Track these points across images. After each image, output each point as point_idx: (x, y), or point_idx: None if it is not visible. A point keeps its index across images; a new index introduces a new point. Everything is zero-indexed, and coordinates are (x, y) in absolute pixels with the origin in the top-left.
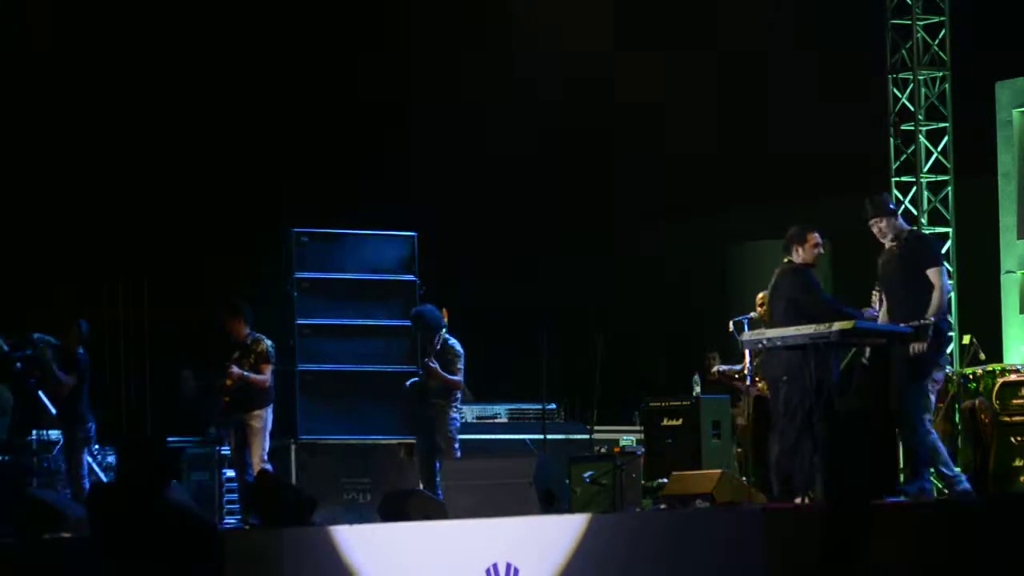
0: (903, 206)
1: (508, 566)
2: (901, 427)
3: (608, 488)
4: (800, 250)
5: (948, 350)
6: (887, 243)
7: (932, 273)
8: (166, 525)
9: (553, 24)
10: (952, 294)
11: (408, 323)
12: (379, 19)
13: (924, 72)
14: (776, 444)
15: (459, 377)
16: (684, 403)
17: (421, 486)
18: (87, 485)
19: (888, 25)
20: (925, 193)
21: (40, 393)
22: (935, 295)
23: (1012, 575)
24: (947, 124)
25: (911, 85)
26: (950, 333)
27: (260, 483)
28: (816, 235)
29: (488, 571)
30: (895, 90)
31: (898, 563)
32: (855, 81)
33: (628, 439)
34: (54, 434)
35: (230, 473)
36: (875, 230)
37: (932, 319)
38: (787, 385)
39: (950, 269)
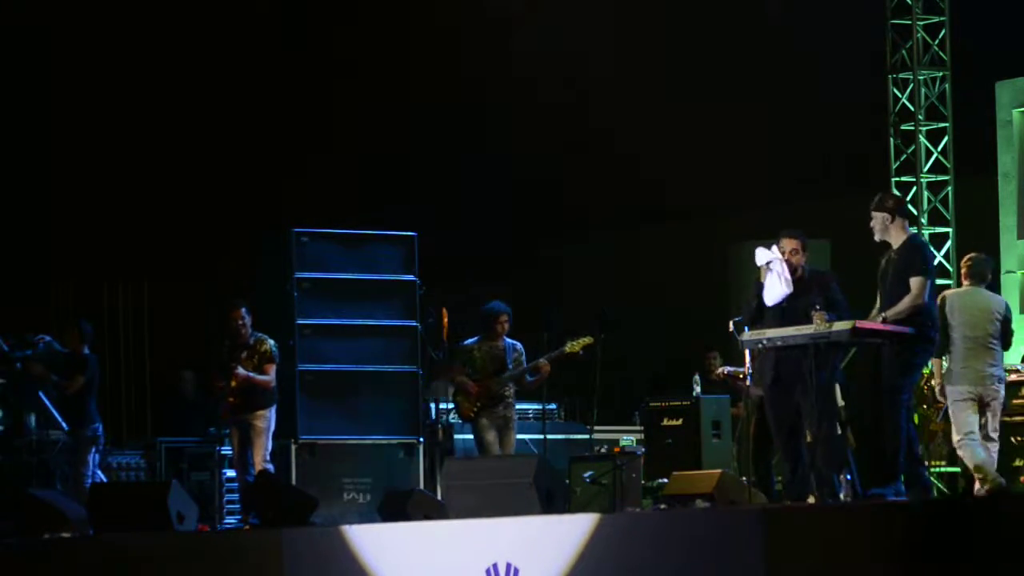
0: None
1: (508, 566)
2: (882, 427)
3: (608, 488)
4: None
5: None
6: (877, 237)
7: (913, 281)
8: None
9: (552, 24)
10: None
11: (409, 323)
12: (378, 18)
13: (924, 72)
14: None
15: None
16: (684, 403)
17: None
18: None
19: (888, 25)
20: (925, 193)
21: (41, 394)
22: (906, 299)
23: (1012, 575)
24: (947, 124)
25: (911, 85)
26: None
27: (260, 483)
28: (782, 242)
29: (488, 571)
30: (895, 90)
31: (897, 563)
32: (855, 81)
33: (628, 439)
34: (54, 434)
35: (230, 473)
36: (871, 222)
37: (886, 315)
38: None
39: (949, 269)
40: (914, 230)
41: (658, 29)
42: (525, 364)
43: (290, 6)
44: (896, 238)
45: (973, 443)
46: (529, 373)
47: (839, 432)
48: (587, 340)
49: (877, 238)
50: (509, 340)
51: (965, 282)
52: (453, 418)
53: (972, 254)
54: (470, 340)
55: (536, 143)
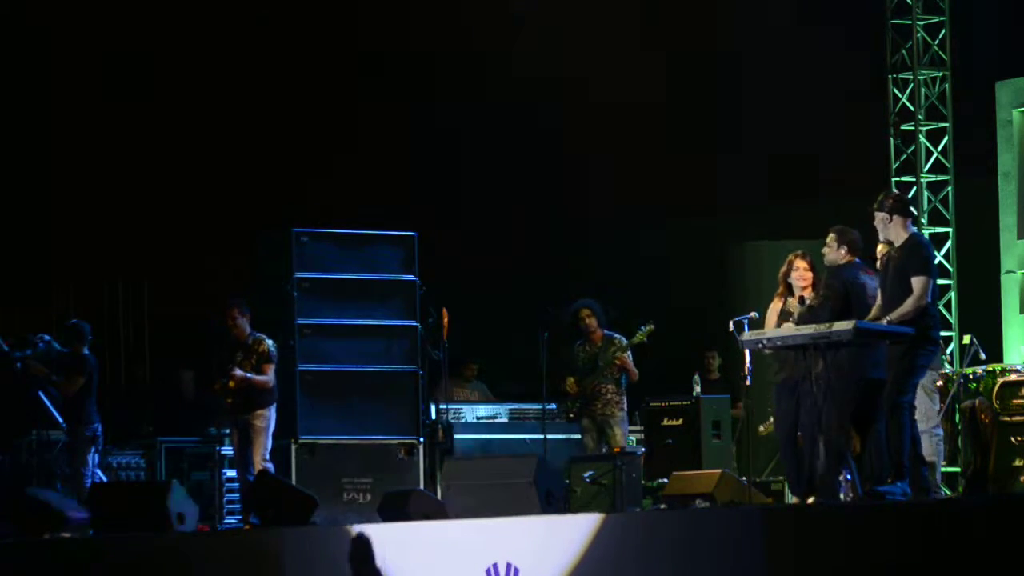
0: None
1: (508, 566)
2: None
3: (608, 488)
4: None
5: (948, 350)
6: (882, 239)
7: (915, 280)
8: None
9: (552, 24)
10: (953, 294)
11: (409, 323)
12: (378, 18)
13: (924, 72)
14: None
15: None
16: (684, 403)
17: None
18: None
19: (888, 25)
20: (925, 193)
21: (41, 394)
22: (909, 300)
23: (1012, 575)
24: (947, 124)
25: (911, 85)
26: (949, 333)
27: (260, 483)
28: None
29: (488, 571)
30: (895, 90)
31: (896, 563)
32: (855, 81)
33: (628, 439)
34: (54, 434)
35: (230, 473)
36: (875, 221)
37: (890, 318)
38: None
39: (950, 269)
40: (914, 229)
41: (659, 28)
42: (629, 354)
43: (290, 8)
44: (897, 236)
45: None
46: (605, 372)
47: (841, 433)
48: (650, 329)
49: (881, 237)
50: (608, 333)
51: None
52: (453, 418)
53: None
54: (579, 341)
55: (535, 142)
